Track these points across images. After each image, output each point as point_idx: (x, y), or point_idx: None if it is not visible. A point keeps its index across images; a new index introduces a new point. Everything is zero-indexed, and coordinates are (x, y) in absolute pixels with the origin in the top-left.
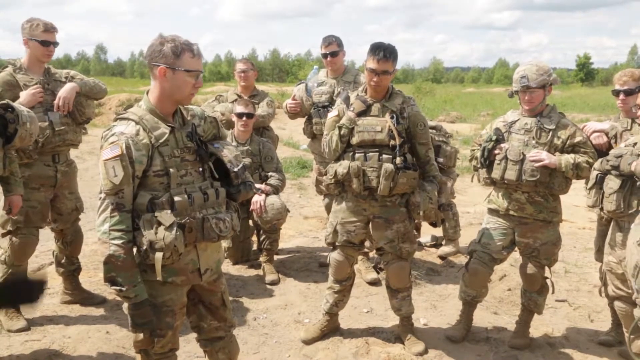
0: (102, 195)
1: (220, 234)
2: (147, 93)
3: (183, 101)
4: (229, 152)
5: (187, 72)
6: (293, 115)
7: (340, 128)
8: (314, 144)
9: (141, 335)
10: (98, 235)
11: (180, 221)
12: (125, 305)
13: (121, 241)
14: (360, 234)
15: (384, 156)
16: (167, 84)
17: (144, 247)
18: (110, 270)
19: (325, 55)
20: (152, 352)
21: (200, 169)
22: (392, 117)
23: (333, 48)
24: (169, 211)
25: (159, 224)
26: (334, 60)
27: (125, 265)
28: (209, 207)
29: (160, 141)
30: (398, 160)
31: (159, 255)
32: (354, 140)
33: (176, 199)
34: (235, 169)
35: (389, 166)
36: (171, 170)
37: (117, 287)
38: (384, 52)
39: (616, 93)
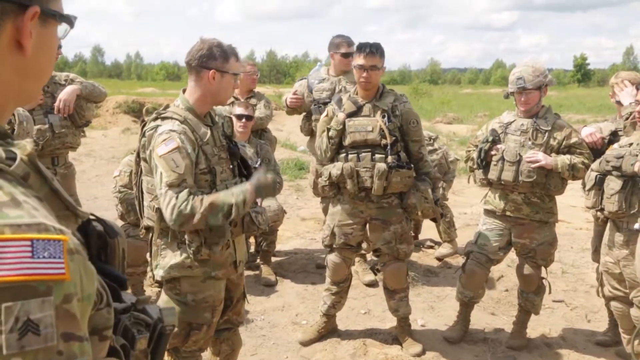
0: (162, 190)
1: (259, 226)
2: (184, 93)
3: (223, 102)
4: (247, 150)
5: (233, 76)
6: (292, 110)
7: (328, 130)
8: (311, 142)
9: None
10: (176, 220)
11: None
12: (160, 301)
13: (193, 201)
14: (357, 236)
15: (377, 156)
16: (213, 86)
17: (197, 244)
18: (211, 221)
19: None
20: (183, 349)
21: (231, 166)
22: (383, 117)
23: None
24: None
25: None
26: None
27: (212, 208)
28: None
29: (204, 140)
30: (389, 159)
31: (216, 249)
32: (346, 141)
33: None
34: (256, 165)
35: (381, 166)
36: (216, 167)
37: (228, 218)
38: (370, 47)
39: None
